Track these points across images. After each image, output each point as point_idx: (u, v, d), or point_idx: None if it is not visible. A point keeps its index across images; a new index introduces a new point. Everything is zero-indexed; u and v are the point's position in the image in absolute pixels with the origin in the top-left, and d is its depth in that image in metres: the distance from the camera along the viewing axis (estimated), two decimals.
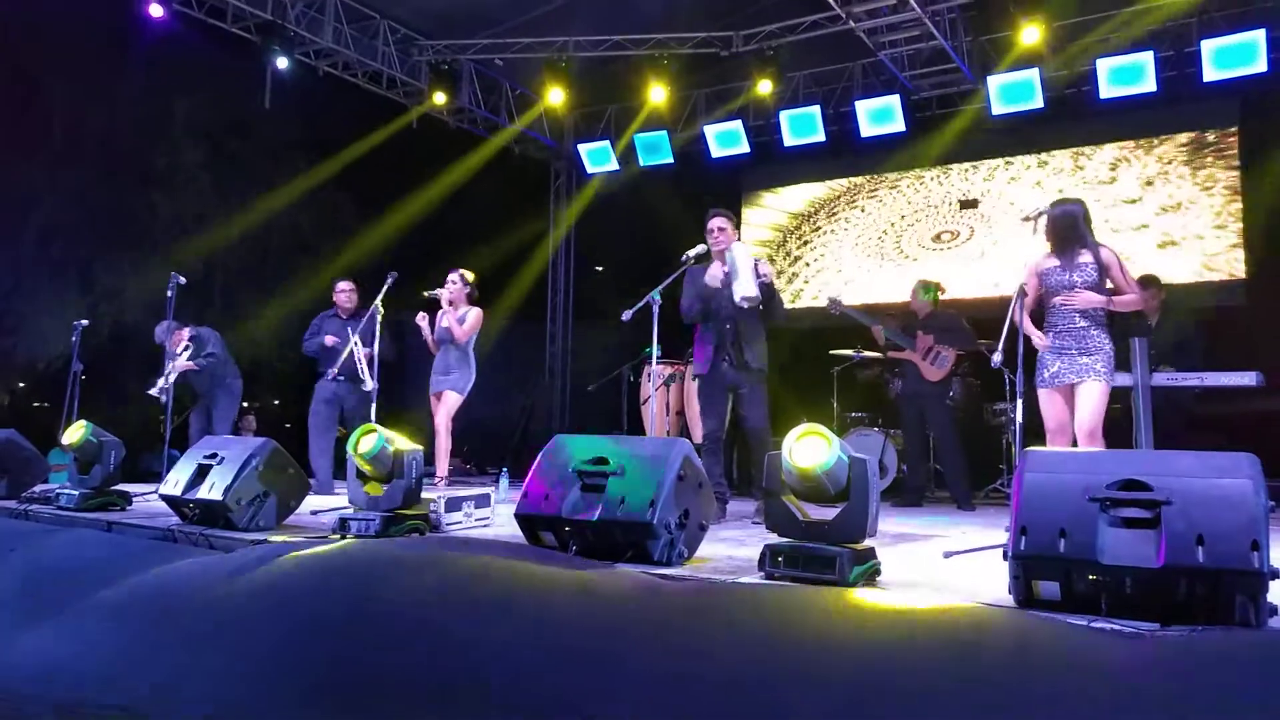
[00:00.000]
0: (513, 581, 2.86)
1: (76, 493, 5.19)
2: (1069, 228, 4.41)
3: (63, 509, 5.16)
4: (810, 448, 2.99)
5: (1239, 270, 8.39)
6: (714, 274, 5.13)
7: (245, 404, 10.57)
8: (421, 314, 6.66)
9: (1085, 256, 4.40)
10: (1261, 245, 8.25)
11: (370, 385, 6.26)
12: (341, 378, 6.57)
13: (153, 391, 6.48)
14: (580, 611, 2.68)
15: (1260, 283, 8.20)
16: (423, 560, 3.08)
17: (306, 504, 4.91)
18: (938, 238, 9.87)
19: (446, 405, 6.46)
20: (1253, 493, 2.42)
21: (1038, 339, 4.44)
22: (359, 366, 6.35)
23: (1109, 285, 4.42)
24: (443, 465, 6.45)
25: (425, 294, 6.55)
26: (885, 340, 6.89)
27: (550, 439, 3.88)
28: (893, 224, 10.19)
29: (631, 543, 3.32)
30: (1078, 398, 4.36)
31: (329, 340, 6.69)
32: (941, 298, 6.91)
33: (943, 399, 6.66)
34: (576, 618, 2.61)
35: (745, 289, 5.02)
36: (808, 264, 10.67)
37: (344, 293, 6.95)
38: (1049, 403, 4.46)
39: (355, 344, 6.35)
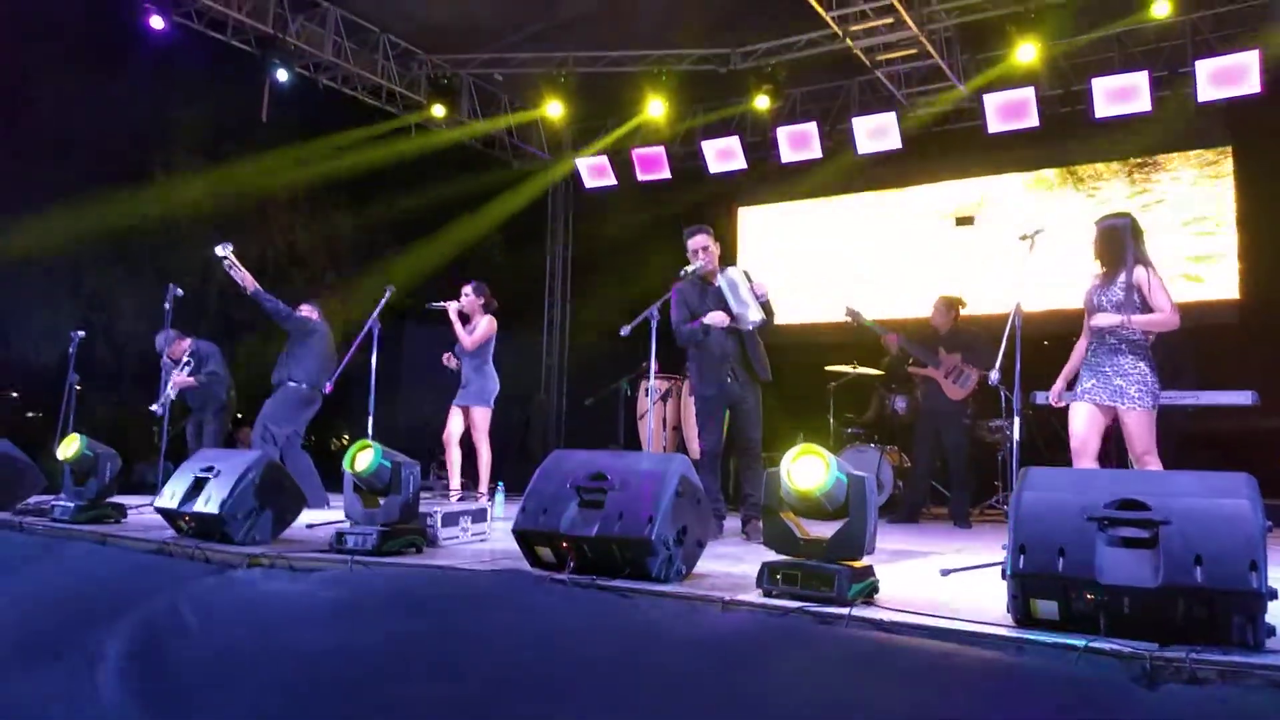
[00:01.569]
0: None
1: (71, 505, 5.17)
2: (1105, 244, 4.38)
3: (57, 521, 5.14)
4: (808, 469, 3.00)
5: (1233, 291, 8.43)
6: (715, 320, 5.09)
7: (240, 415, 10.55)
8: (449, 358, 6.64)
9: (1120, 276, 4.33)
10: (1255, 265, 8.30)
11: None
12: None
13: (154, 408, 6.48)
14: None
15: (1254, 303, 8.24)
16: None
17: (301, 517, 4.90)
18: (933, 254, 9.90)
19: (476, 422, 6.39)
20: (1250, 513, 2.42)
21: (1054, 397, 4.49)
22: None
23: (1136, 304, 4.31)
24: (484, 480, 6.41)
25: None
26: (900, 350, 6.83)
27: (546, 453, 3.88)
28: (888, 240, 10.22)
29: (629, 559, 3.31)
30: (1124, 425, 4.28)
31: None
32: (961, 314, 6.88)
33: (960, 418, 6.62)
34: None
35: (753, 314, 5.03)
36: (803, 280, 10.69)
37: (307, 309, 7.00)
38: (1076, 416, 4.37)
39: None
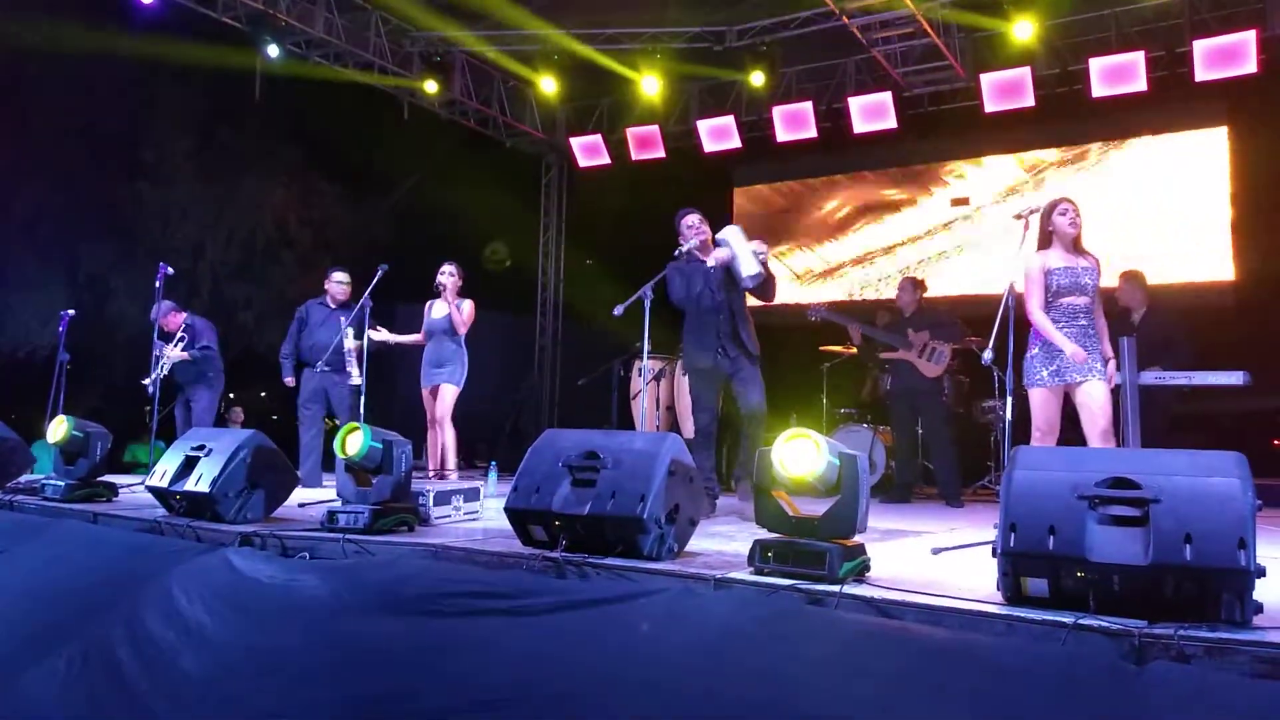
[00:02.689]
0: None
1: (62, 484, 5.15)
2: (1078, 227, 4.40)
3: (48, 500, 5.13)
4: (800, 454, 3.00)
5: (1227, 272, 8.43)
6: (720, 255, 5.08)
7: (231, 395, 10.53)
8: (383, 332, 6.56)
9: (1087, 260, 4.41)
10: (1250, 247, 8.30)
11: (358, 379, 6.28)
12: (327, 369, 6.54)
13: (145, 383, 6.45)
14: None
15: (1248, 284, 8.24)
16: None
17: (294, 496, 4.89)
18: (928, 234, 9.89)
19: (445, 400, 6.38)
20: (1240, 491, 2.42)
21: (1068, 346, 4.33)
22: (347, 359, 6.36)
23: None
24: (451, 458, 6.40)
25: (437, 284, 6.48)
26: (864, 340, 6.91)
27: (539, 434, 3.88)
28: (883, 220, 10.20)
29: (621, 538, 3.31)
30: (1084, 399, 4.29)
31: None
32: (931, 294, 6.95)
33: (937, 396, 6.67)
34: None
35: (748, 267, 5.02)
36: (798, 260, 10.68)
37: (339, 284, 6.91)
38: (1044, 403, 4.38)
39: (346, 335, 6.33)
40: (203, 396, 7.04)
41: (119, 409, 9.29)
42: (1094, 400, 4.28)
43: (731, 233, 5.15)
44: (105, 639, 3.51)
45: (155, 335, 6.59)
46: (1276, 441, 8.07)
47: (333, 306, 6.85)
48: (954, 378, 7.04)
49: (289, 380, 6.80)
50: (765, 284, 5.16)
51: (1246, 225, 8.36)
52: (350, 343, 6.38)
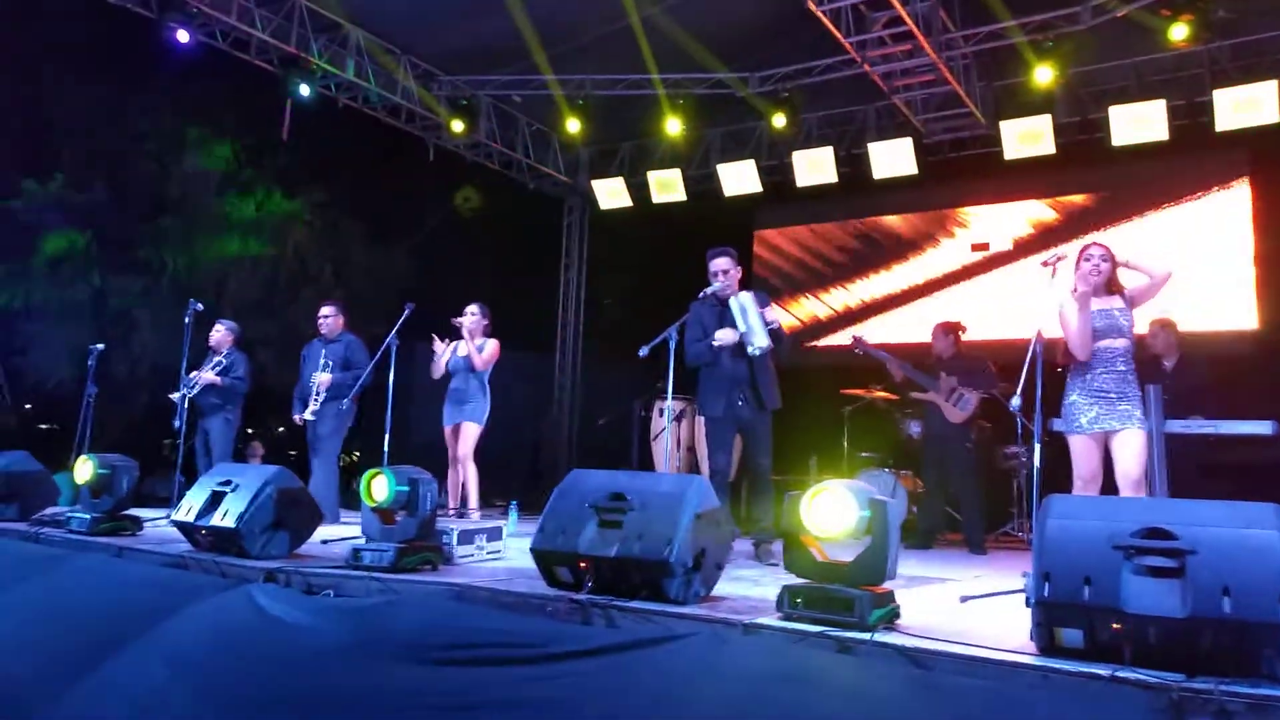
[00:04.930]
0: None
1: (88, 517, 5.18)
2: (1110, 271, 4.35)
3: (74, 533, 5.15)
4: (830, 510, 3.01)
5: (1251, 321, 8.39)
6: (725, 337, 5.09)
7: (250, 430, 10.57)
8: (437, 340, 6.66)
9: (1119, 301, 4.36)
10: (1273, 295, 8.27)
11: (311, 411, 6.55)
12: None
13: (173, 396, 6.51)
14: None
15: (1272, 333, 8.20)
16: None
17: (316, 534, 4.90)
18: (948, 279, 9.90)
19: (467, 438, 6.41)
20: (1279, 543, 2.40)
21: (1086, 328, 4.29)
22: (311, 390, 6.59)
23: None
24: (473, 497, 6.42)
25: (454, 321, 6.55)
26: (904, 379, 6.85)
27: (559, 473, 3.88)
28: (904, 265, 10.23)
29: (647, 580, 3.30)
30: (1119, 447, 4.22)
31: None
32: (962, 339, 6.90)
33: (963, 442, 6.61)
34: None
35: (759, 340, 5.02)
36: (819, 304, 10.70)
37: (325, 318, 6.97)
38: (1085, 451, 4.30)
39: (323, 367, 6.56)
40: (219, 431, 7.05)
41: (141, 442, 9.35)
42: (1129, 449, 4.21)
43: (745, 301, 5.12)
44: (121, 673, 3.51)
45: (184, 364, 6.64)
46: None
47: (324, 343, 6.92)
48: (978, 424, 7.00)
49: (297, 418, 6.85)
50: (778, 348, 5.15)
51: (1269, 274, 8.34)
52: (319, 376, 6.56)
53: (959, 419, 6.54)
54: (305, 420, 6.68)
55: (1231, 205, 8.66)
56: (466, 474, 6.43)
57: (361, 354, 6.83)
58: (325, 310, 7.00)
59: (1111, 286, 4.40)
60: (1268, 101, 7.62)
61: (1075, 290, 4.36)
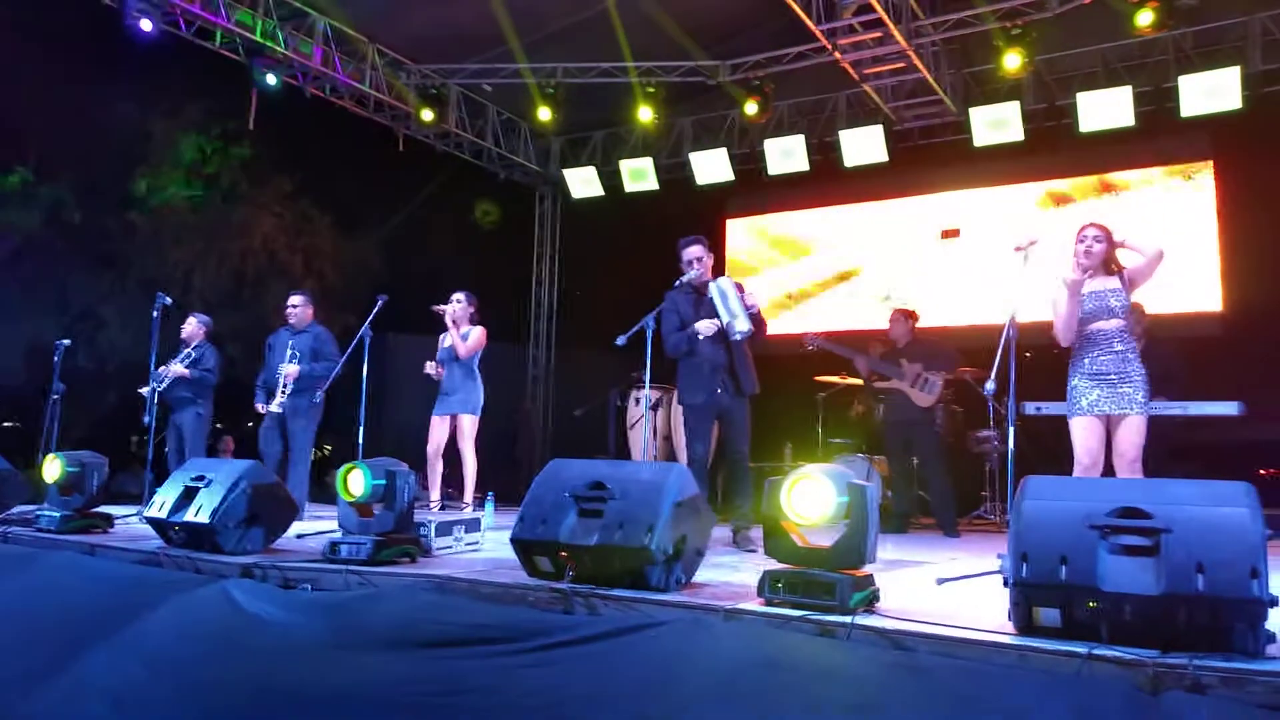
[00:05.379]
0: None
1: (57, 515, 5.09)
2: (1105, 253, 4.35)
3: (43, 531, 5.07)
4: (810, 497, 3.02)
5: (1215, 304, 8.53)
6: (706, 327, 5.09)
7: (219, 425, 10.47)
8: (430, 365, 6.58)
9: (1115, 282, 4.36)
10: (1237, 278, 8.40)
11: (277, 403, 6.43)
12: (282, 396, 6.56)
13: (142, 391, 6.41)
14: None
15: (1236, 316, 8.34)
16: None
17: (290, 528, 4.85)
18: (919, 265, 9.97)
19: (464, 430, 6.38)
20: (1251, 521, 2.45)
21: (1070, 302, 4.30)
22: (278, 382, 6.49)
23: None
24: (469, 489, 6.38)
25: (434, 308, 6.50)
26: (869, 373, 6.92)
27: (534, 464, 3.87)
28: (874, 252, 10.29)
29: (629, 569, 3.30)
30: (1120, 430, 4.25)
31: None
32: (923, 325, 6.97)
33: (930, 426, 6.68)
34: None
35: (741, 325, 5.03)
36: (790, 291, 10.74)
37: (294, 308, 6.83)
38: (1087, 432, 4.29)
39: (290, 358, 6.47)
40: (191, 426, 6.96)
41: (109, 438, 9.22)
42: (1129, 433, 4.24)
43: (725, 287, 5.12)
44: (98, 671, 3.47)
45: (153, 359, 6.51)
46: (1263, 471, 8.13)
47: (292, 333, 6.81)
48: (947, 408, 7.08)
49: (260, 407, 6.72)
50: (757, 331, 5.16)
51: (1233, 257, 8.47)
52: (286, 368, 6.47)
53: (927, 402, 6.60)
54: (270, 411, 6.55)
55: (1196, 190, 8.79)
56: (465, 467, 6.41)
57: (331, 346, 6.72)
58: (294, 300, 6.86)
59: (1111, 267, 4.40)
60: (1231, 88, 7.74)
61: (1071, 274, 4.35)
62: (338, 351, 6.60)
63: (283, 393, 6.48)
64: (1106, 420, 4.30)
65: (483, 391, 6.53)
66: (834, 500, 2.99)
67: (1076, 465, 4.34)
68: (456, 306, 6.50)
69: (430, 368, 6.54)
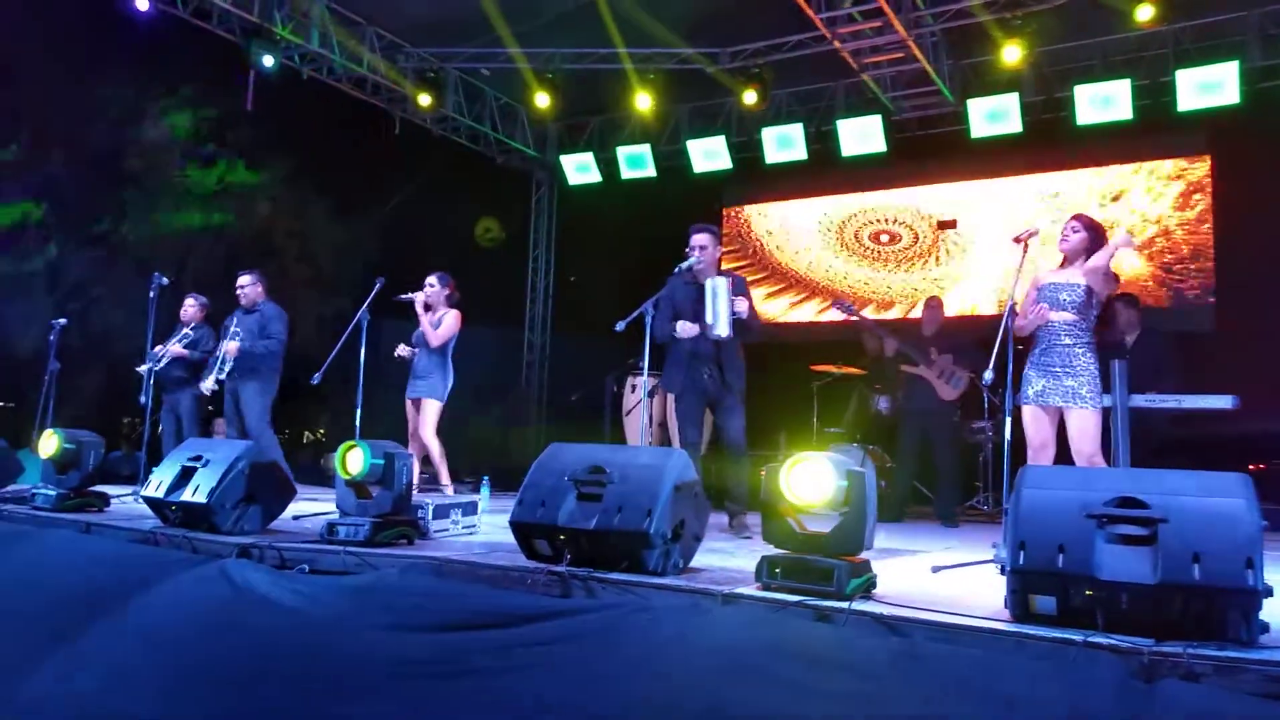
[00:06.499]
0: None
1: (53, 493, 5.10)
2: (1083, 243, 4.38)
3: (39, 509, 5.08)
4: (809, 479, 3.04)
5: (1209, 296, 8.57)
6: (684, 329, 5.11)
7: (211, 408, 10.43)
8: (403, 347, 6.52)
9: (1077, 276, 4.36)
10: (1231, 272, 8.44)
11: (215, 380, 6.42)
12: (231, 374, 6.52)
13: (140, 369, 6.39)
14: None
15: (1230, 309, 8.38)
16: None
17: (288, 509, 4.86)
18: (916, 255, 9.99)
19: (428, 415, 6.26)
20: (1247, 512, 2.48)
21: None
22: (216, 359, 6.46)
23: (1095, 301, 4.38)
24: (444, 474, 6.32)
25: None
26: (896, 352, 6.87)
27: (529, 448, 3.89)
28: (872, 242, 10.30)
29: (627, 552, 3.32)
30: (1070, 426, 4.30)
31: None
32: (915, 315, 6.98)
33: (950, 418, 6.68)
34: None
35: (720, 329, 5.03)
36: (786, 280, 10.75)
37: (242, 288, 6.77)
38: (1033, 420, 4.38)
39: (233, 337, 6.47)
40: (187, 404, 6.94)
41: (103, 418, 9.20)
42: (1078, 428, 4.28)
43: (719, 287, 5.09)
44: (95, 647, 3.47)
45: (149, 339, 6.48)
46: (1253, 466, 8.18)
47: (243, 313, 6.77)
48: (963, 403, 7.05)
49: (203, 385, 6.64)
50: (744, 334, 5.19)
51: (1227, 251, 8.50)
52: (227, 345, 6.47)
53: (951, 396, 6.60)
54: (210, 391, 6.51)
55: (1192, 184, 8.81)
56: (431, 452, 6.27)
57: (278, 324, 6.63)
58: (242, 280, 6.78)
59: (1082, 259, 4.40)
60: (1229, 83, 7.75)
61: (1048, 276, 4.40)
62: (283, 330, 6.60)
63: (221, 371, 6.39)
64: (1058, 412, 4.35)
65: (451, 378, 6.38)
66: (834, 483, 3.01)
67: (1029, 450, 4.39)
68: (430, 290, 6.34)
69: (402, 350, 6.44)
